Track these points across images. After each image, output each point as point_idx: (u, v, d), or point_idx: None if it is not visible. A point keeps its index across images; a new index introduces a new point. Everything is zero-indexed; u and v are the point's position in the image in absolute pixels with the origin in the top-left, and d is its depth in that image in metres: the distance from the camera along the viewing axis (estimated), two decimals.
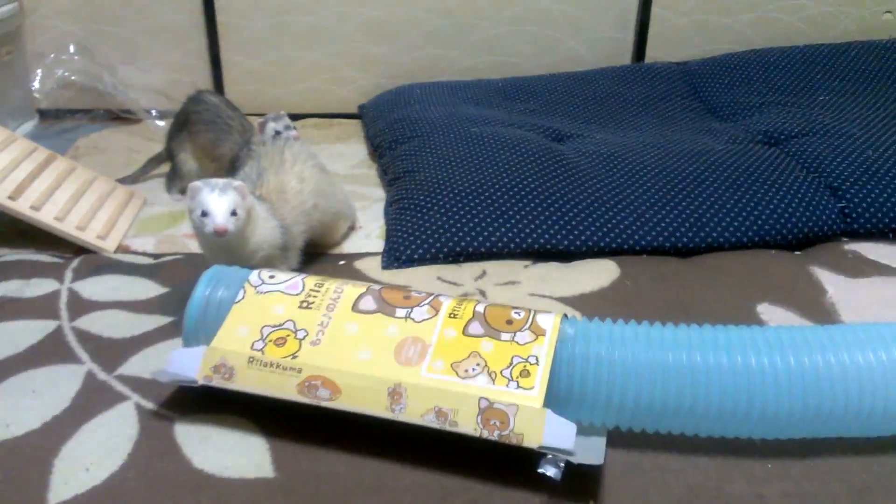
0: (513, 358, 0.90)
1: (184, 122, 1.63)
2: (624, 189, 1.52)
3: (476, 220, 1.44)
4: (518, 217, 1.44)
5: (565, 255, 1.42)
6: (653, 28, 2.19)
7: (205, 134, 1.60)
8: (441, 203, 1.48)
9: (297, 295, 0.99)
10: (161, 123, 2.00)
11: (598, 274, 1.36)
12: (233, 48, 2.14)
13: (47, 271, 1.32)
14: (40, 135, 2.03)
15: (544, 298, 1.29)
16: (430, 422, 0.87)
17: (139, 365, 1.09)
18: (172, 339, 1.14)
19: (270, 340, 0.94)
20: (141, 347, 1.13)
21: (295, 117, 2.16)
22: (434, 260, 1.40)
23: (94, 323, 1.19)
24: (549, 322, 0.94)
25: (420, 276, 1.36)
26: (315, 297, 0.99)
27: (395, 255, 1.41)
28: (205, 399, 0.99)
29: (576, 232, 1.42)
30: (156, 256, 1.42)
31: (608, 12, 2.18)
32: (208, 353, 0.95)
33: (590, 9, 2.17)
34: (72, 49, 2.01)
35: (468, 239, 1.41)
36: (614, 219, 1.45)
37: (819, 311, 1.24)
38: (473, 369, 0.89)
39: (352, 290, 1.00)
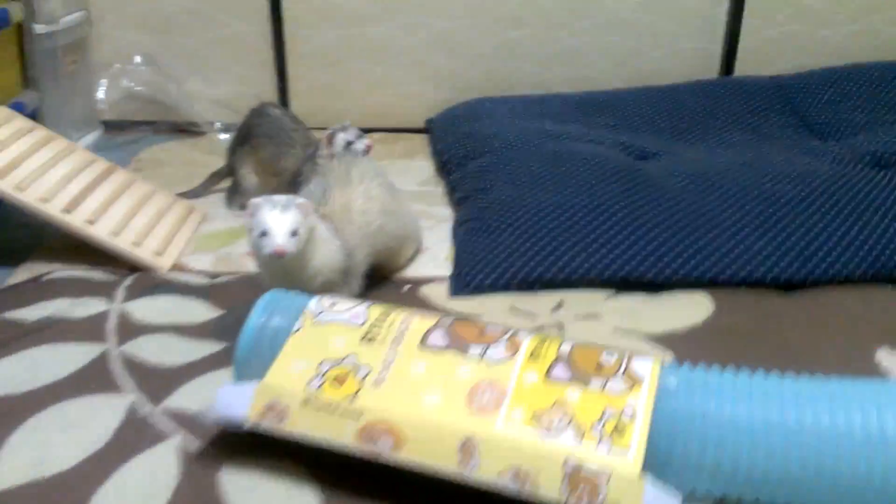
0: (605, 410, 0.78)
1: (245, 136, 1.56)
2: (718, 213, 1.37)
3: (553, 244, 1.32)
4: (600, 242, 1.32)
5: (652, 286, 1.28)
6: (743, 40, 2.04)
7: (266, 148, 1.52)
8: (514, 224, 1.36)
9: (360, 326, 0.89)
10: (225, 136, 1.94)
11: (690, 309, 1.22)
12: (299, 60, 2.08)
13: (99, 290, 1.25)
14: (103, 146, 1.99)
15: (630, 336, 1.16)
16: (507, 484, 0.75)
17: (186, 397, 1.00)
18: (223, 369, 1.05)
19: (329, 378, 0.84)
20: (190, 377, 1.04)
21: (362, 131, 2.09)
22: (507, 287, 1.29)
23: (143, 348, 1.11)
24: (647, 369, 0.82)
25: (491, 306, 1.24)
26: (380, 329, 0.89)
27: (464, 282, 1.30)
28: (255, 441, 0.89)
29: (665, 260, 1.29)
30: (212, 276, 1.34)
31: (694, 22, 2.04)
32: (259, 390, 0.85)
33: (674, 19, 2.03)
34: (138, 59, 1.98)
35: (545, 265, 1.29)
36: (707, 246, 1.30)
37: None
38: (559, 422, 0.77)
39: (420, 322, 0.89)
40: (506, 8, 2.03)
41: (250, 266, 1.37)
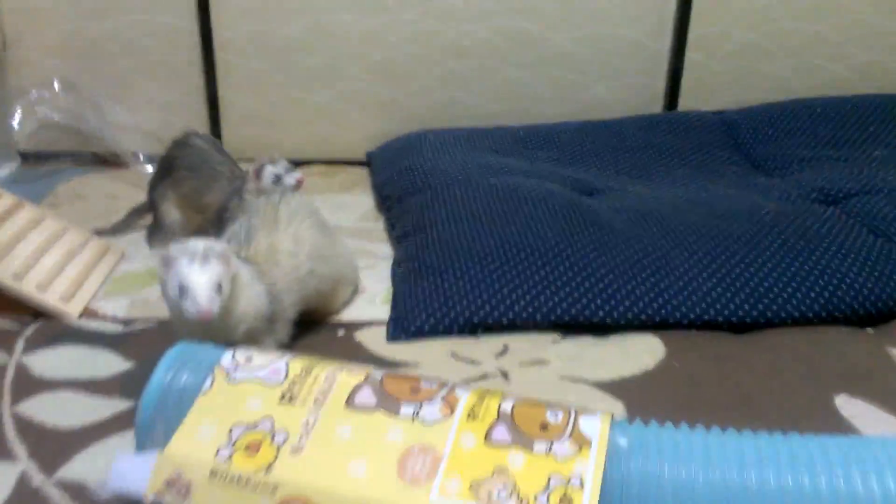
0: (550, 478, 0.69)
1: (167, 169, 1.45)
2: (666, 252, 1.32)
3: (496, 286, 1.24)
4: (545, 283, 1.25)
5: (600, 329, 1.22)
6: (687, 74, 2.02)
7: (189, 181, 1.42)
8: (455, 266, 1.29)
9: (279, 384, 0.79)
10: (150, 168, 1.83)
11: (640, 353, 1.16)
12: (232, 88, 1.98)
13: None
14: (20, 179, 1.86)
15: (578, 384, 1.09)
16: None
17: (84, 465, 0.89)
18: (129, 431, 0.94)
19: (241, 446, 0.74)
20: (90, 441, 0.93)
21: (297, 164, 1.99)
22: (448, 332, 1.21)
23: (41, 408, 0.99)
24: (596, 428, 0.74)
25: (431, 352, 1.16)
26: (301, 386, 0.79)
27: (402, 326, 1.21)
28: None
29: (612, 301, 1.23)
30: (126, 322, 1.22)
31: (637, 57, 2.01)
32: (160, 461, 0.73)
33: (618, 53, 2.00)
34: (56, 86, 1.85)
35: (487, 308, 1.21)
36: (657, 286, 1.25)
37: None
38: (499, 493, 0.69)
39: (347, 378, 0.80)
40: (449, 38, 1.97)
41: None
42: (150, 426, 0.79)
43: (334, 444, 0.73)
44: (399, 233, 1.50)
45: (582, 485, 0.69)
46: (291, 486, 0.70)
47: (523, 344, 1.18)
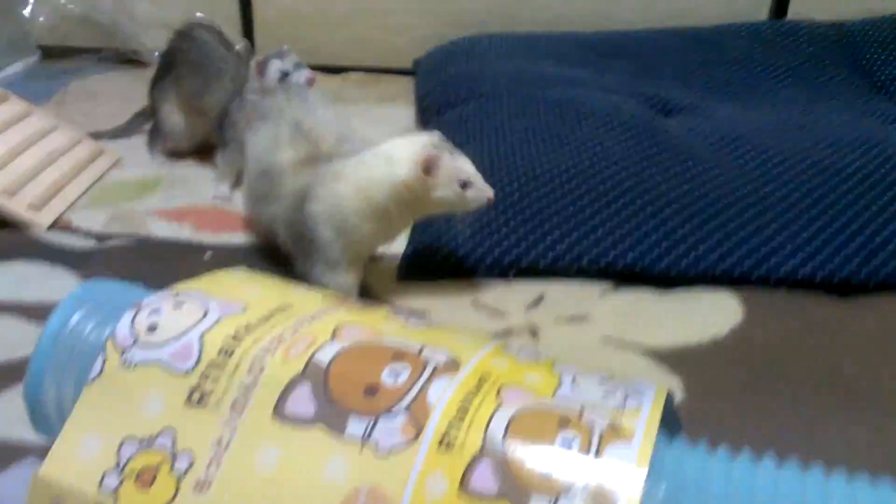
0: None
1: (168, 65, 1.26)
2: (756, 188, 1.05)
3: (538, 218, 1.01)
4: (598, 219, 1.01)
5: (663, 282, 0.97)
6: None
7: (190, 80, 1.22)
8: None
9: (185, 375, 0.54)
10: None
11: (710, 315, 0.91)
12: None
13: None
14: (35, 74, 1.71)
15: (626, 350, 0.86)
16: None
17: (2, 408, 0.73)
18: None
19: (131, 473, 0.52)
20: (11, 381, 0.76)
21: (337, 70, 1.78)
22: (473, 272, 0.99)
23: None
24: (625, 476, 0.46)
25: (447, 298, 0.95)
26: (218, 378, 0.53)
27: (418, 262, 1.00)
28: None
29: (681, 247, 0.98)
30: (100, 238, 1.06)
31: None
32: (34, 487, 0.53)
33: None
34: None
35: (523, 246, 0.99)
36: (740, 232, 0.99)
37: None
38: None
39: (278, 365, 0.53)
40: None
41: (153, 228, 1.09)
42: (41, 407, 0.59)
43: (253, 479, 0.50)
44: None
45: None
46: None
47: (563, 294, 0.95)
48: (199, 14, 1.69)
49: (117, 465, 0.52)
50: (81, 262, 0.98)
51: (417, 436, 0.49)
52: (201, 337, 0.56)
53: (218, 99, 1.19)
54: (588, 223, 1.00)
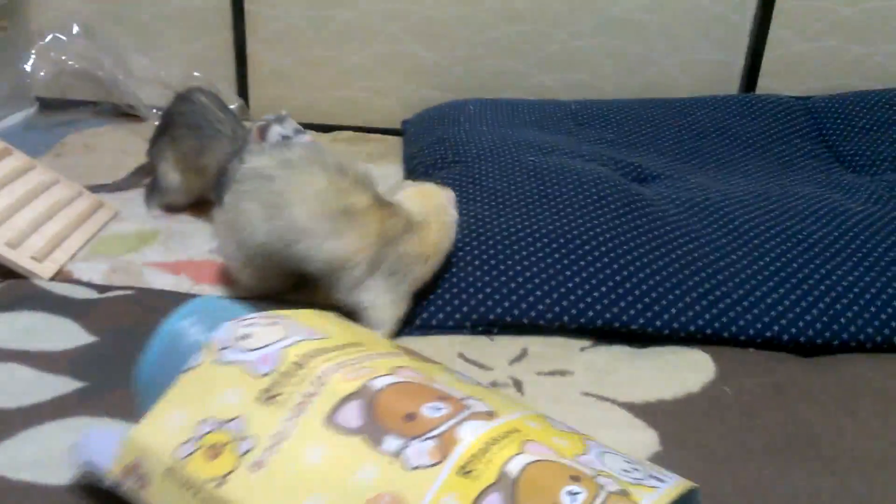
0: None
1: (166, 125, 1.31)
2: (727, 252, 1.12)
3: (520, 278, 1.07)
4: (578, 279, 1.07)
5: (639, 339, 1.03)
6: (769, 52, 1.79)
7: (187, 140, 1.28)
8: (476, 252, 1.11)
9: (262, 377, 0.65)
10: None
11: (684, 372, 0.97)
12: (262, 43, 1.84)
13: None
14: (33, 125, 1.76)
15: (604, 403, 0.91)
16: None
17: (9, 456, 0.75)
18: (70, 419, 0.81)
19: (204, 445, 0.63)
20: (27, 425, 0.80)
21: (328, 128, 1.84)
22: (459, 328, 1.04)
23: None
24: None
25: (436, 351, 0.99)
26: (286, 384, 0.65)
27: (406, 319, 1.05)
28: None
29: (656, 307, 1.04)
30: (101, 289, 1.09)
31: (714, 29, 1.79)
32: (125, 444, 0.65)
33: (692, 23, 1.78)
34: (75, 30, 1.73)
35: (507, 304, 1.04)
36: (712, 293, 1.05)
37: None
38: None
39: (341, 383, 0.63)
40: None
41: (151, 280, 1.13)
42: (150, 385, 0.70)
43: (299, 467, 0.59)
44: None
45: None
46: None
47: (545, 349, 1.01)
48: (196, 73, 1.76)
49: (193, 437, 0.64)
50: (84, 312, 1.02)
51: (442, 461, 0.56)
52: (281, 350, 0.67)
53: (216, 158, 1.24)
54: (568, 283, 1.06)
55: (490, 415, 0.61)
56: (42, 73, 1.67)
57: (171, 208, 1.34)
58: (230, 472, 0.60)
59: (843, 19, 1.77)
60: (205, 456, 0.62)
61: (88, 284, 1.11)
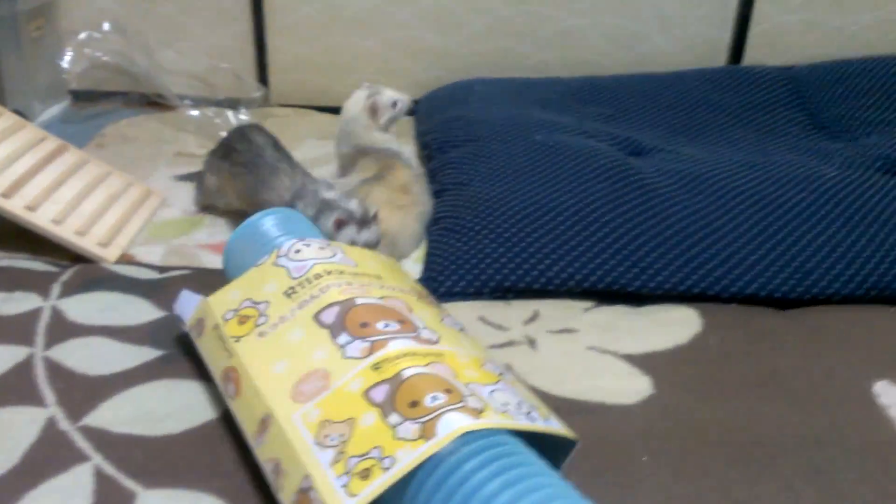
0: (373, 448, 0.68)
1: (226, 155, 1.37)
2: (712, 220, 1.26)
3: (531, 249, 1.21)
4: (581, 248, 1.21)
5: (636, 299, 1.18)
6: (754, 26, 1.90)
7: (245, 177, 1.31)
8: (490, 226, 1.26)
9: (295, 279, 0.90)
10: (195, 113, 1.83)
11: (675, 326, 1.12)
12: (280, 33, 1.96)
13: (35, 283, 1.16)
14: (70, 118, 1.89)
15: (606, 355, 1.06)
16: (268, 473, 0.74)
17: (110, 414, 0.90)
18: (154, 381, 0.96)
19: (239, 314, 0.89)
20: (116, 390, 0.95)
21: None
22: (478, 295, 1.19)
23: (72, 353, 1.01)
24: (450, 428, 0.67)
25: (459, 315, 1.13)
26: (304, 287, 0.89)
27: (432, 287, 1.19)
28: (178, 467, 0.82)
29: (650, 271, 1.18)
30: (161, 270, 1.24)
31: (702, 5, 1.91)
32: (200, 305, 0.95)
33: (681, 1, 1.90)
34: (106, 27, 1.85)
35: (520, 272, 1.19)
36: (699, 256, 1.20)
37: None
38: (331, 440, 0.70)
39: (334, 293, 0.86)
40: None
41: (205, 260, 1.27)
42: (234, 254, 1.02)
43: (284, 341, 0.83)
44: (437, 188, 1.47)
45: (389, 468, 0.66)
46: (237, 358, 0.84)
47: (554, 311, 1.16)
48: (223, 65, 1.88)
49: (237, 307, 0.90)
50: (151, 291, 1.16)
51: (367, 357, 0.77)
52: (313, 265, 0.91)
53: (276, 195, 1.27)
54: (573, 252, 1.21)
55: (428, 341, 0.80)
56: (78, 69, 1.79)
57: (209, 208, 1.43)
58: (246, 335, 0.86)
59: None
60: (237, 320, 0.88)
61: (150, 266, 1.25)
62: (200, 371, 0.96)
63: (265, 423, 0.76)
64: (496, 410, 0.71)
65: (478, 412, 0.69)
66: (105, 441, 0.86)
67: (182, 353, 1.01)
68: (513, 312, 1.15)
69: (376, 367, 0.75)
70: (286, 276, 0.90)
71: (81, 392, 0.94)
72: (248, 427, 0.79)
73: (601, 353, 1.06)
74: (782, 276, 1.18)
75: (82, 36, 1.83)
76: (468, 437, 0.67)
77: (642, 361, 1.04)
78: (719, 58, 1.95)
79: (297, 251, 0.94)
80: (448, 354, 0.78)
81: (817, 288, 1.17)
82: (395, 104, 1.47)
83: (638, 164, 1.43)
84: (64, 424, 0.89)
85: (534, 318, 1.14)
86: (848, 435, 0.89)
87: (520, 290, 1.18)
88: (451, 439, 0.66)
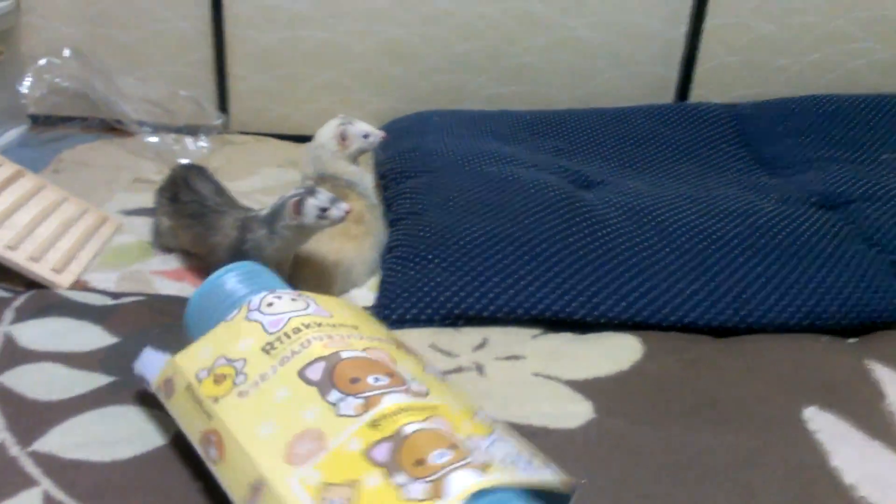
0: None
1: (171, 196, 1.36)
2: (655, 251, 1.32)
3: (482, 277, 1.25)
4: (530, 277, 1.25)
5: (582, 326, 1.22)
6: (700, 65, 1.99)
7: (193, 228, 1.32)
8: (442, 255, 1.29)
9: (269, 334, 0.87)
10: (155, 139, 1.84)
11: (617, 353, 1.16)
12: (240, 62, 1.99)
13: None
14: (28, 142, 1.89)
15: (551, 381, 1.09)
16: None
17: (59, 440, 0.91)
18: (105, 407, 0.97)
19: (214, 373, 0.85)
20: (67, 415, 0.95)
21: (301, 139, 2.00)
22: (430, 322, 1.22)
23: (23, 378, 1.02)
24: (462, 486, 0.66)
25: (410, 342, 1.16)
26: (283, 343, 0.85)
27: (385, 314, 1.22)
28: (127, 492, 0.83)
29: (595, 300, 1.23)
30: (115, 296, 1.25)
31: (651, 45, 1.99)
32: (168, 363, 0.90)
33: (631, 40, 1.98)
34: (67, 53, 1.87)
35: (470, 300, 1.22)
36: (641, 287, 1.25)
37: (877, 420, 1.02)
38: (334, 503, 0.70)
39: (318, 348, 0.83)
40: (459, 20, 1.96)
41: (158, 286, 1.29)
42: (198, 315, 0.97)
43: (267, 400, 0.80)
44: (393, 216, 1.50)
45: None
46: (218, 420, 0.81)
47: (502, 338, 1.19)
48: (181, 92, 1.90)
49: (211, 366, 0.86)
50: (104, 317, 1.17)
51: (362, 414, 0.75)
52: (289, 318, 0.88)
53: (223, 236, 1.26)
54: (521, 280, 1.25)
55: (419, 394, 0.79)
56: (37, 94, 1.80)
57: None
58: (225, 395, 0.82)
59: (766, 34, 1.98)
60: (212, 381, 0.84)
61: (103, 292, 1.26)
62: (150, 398, 0.97)
63: (257, 488, 0.73)
64: (501, 463, 0.71)
65: (484, 467, 0.68)
66: (54, 466, 0.87)
67: (133, 380, 1.02)
68: (463, 339, 1.18)
69: (374, 424, 0.73)
70: (261, 330, 0.87)
71: (31, 417, 0.94)
72: (235, 492, 0.76)
73: (546, 378, 1.10)
74: (720, 305, 1.23)
75: (42, 62, 1.83)
76: (476, 493, 0.66)
77: (585, 387, 1.08)
78: (667, 95, 2.03)
79: (270, 304, 0.90)
80: (442, 408, 0.78)
81: (753, 317, 1.22)
82: (366, 136, 1.47)
83: (586, 197, 1.48)
84: (13, 450, 0.89)
85: (483, 344, 1.17)
86: (778, 457, 0.94)
87: (470, 317, 1.22)
88: (463, 499, 0.65)
